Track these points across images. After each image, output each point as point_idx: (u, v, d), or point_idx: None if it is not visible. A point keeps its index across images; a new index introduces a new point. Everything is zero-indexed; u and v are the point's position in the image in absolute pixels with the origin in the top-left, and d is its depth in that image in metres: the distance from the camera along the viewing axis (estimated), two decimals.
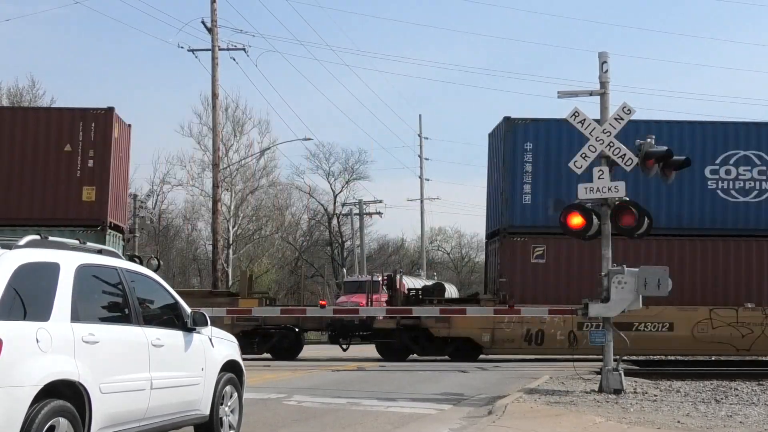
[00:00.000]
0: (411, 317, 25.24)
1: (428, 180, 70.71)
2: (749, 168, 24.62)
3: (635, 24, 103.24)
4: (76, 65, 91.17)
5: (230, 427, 9.82)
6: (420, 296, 27.47)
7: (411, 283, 35.64)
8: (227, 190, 49.93)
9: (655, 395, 14.82)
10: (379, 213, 61.54)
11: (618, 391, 14.73)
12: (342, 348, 27.52)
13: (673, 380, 17.51)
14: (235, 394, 10.00)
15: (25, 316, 6.86)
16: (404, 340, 25.95)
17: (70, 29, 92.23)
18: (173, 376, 8.63)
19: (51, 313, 7.08)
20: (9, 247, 7.16)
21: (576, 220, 15.20)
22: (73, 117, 24.27)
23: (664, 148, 15.73)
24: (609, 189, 15.07)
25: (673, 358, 26.92)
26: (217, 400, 9.49)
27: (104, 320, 7.87)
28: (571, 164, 15.57)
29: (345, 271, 54.43)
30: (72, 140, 24.02)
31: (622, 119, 15.28)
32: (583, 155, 15.38)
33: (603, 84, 15.70)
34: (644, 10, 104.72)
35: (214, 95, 34.76)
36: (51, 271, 7.29)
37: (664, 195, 23.93)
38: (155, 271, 10.86)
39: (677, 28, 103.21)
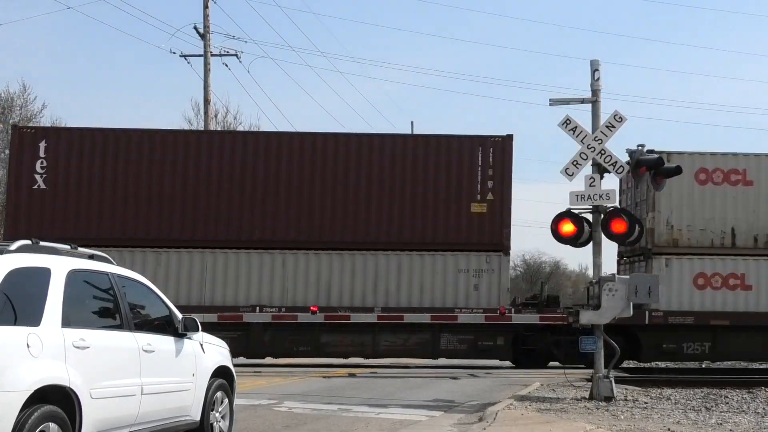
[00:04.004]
0: None
1: None
2: None
3: (626, 32, 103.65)
4: (68, 70, 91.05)
5: None
6: None
7: None
8: None
9: (646, 403, 14.84)
10: None
11: (608, 399, 14.74)
12: None
13: (664, 388, 17.53)
14: (226, 400, 10.01)
15: (15, 321, 6.85)
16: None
17: (61, 34, 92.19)
18: (164, 381, 8.63)
19: (42, 318, 7.07)
20: (0, 251, 7.15)
21: (567, 228, 15.24)
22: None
23: (656, 156, 15.80)
24: (600, 196, 15.14)
25: (663, 365, 26.93)
26: (208, 405, 9.50)
27: (95, 325, 7.86)
28: (561, 171, 15.60)
29: None
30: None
31: (613, 127, 15.33)
32: (575, 163, 15.42)
33: (595, 92, 15.74)
34: (637, 16, 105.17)
35: (206, 101, 34.70)
36: (42, 276, 7.29)
37: None
38: None
39: (668, 37, 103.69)
